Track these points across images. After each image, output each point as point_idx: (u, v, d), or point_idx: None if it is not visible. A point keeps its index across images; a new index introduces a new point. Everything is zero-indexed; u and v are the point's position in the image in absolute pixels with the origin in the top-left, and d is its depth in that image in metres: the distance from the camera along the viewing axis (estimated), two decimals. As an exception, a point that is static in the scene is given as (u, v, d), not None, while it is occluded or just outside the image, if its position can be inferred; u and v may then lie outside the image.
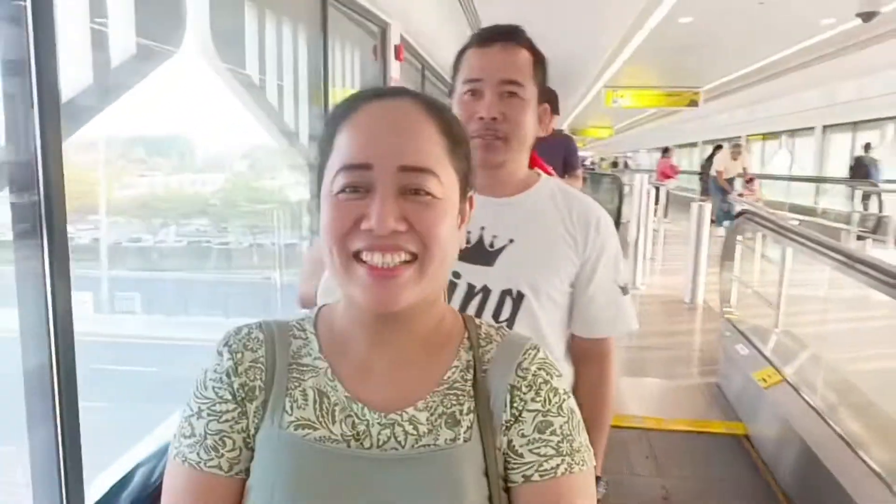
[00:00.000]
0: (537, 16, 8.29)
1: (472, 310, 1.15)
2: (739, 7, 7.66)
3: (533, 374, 0.69)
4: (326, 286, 1.17)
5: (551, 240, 1.18)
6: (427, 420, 0.66)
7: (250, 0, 2.96)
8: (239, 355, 0.67)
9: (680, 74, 12.37)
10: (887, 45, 9.19)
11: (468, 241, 1.07)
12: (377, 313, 0.65)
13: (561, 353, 1.25)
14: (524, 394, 0.68)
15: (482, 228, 1.16)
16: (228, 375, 0.66)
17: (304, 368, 0.68)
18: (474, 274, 1.15)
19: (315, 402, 0.66)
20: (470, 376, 0.69)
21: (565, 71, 11.63)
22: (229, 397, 0.66)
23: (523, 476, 0.66)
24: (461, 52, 1.18)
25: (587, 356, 1.27)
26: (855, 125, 12.46)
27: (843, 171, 11.87)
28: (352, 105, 0.66)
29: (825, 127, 13.61)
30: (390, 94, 0.67)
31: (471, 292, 1.15)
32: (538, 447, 0.66)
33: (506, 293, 1.15)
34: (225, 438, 0.65)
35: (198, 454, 0.65)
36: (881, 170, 10.50)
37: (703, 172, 13.08)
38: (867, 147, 11.03)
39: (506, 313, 1.15)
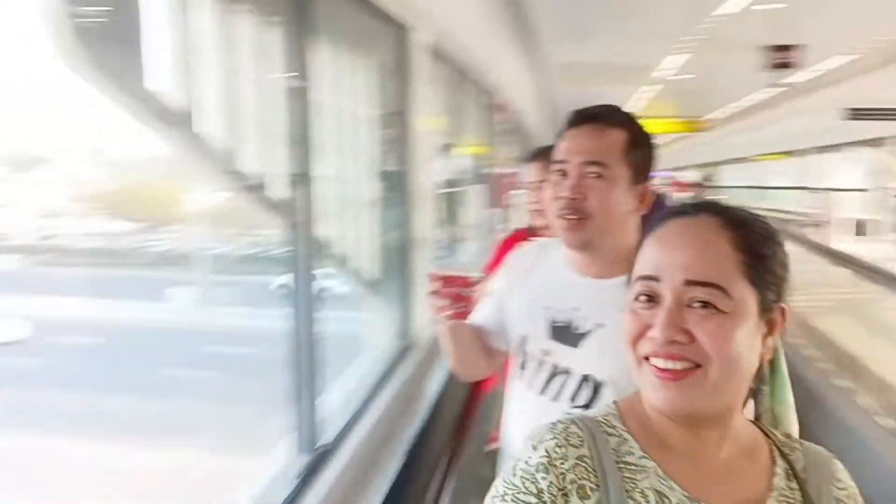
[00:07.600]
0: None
1: (552, 390, 1.14)
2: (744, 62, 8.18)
3: (848, 486, 0.72)
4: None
5: None
6: None
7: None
8: (561, 450, 0.67)
9: (693, 108, 13.61)
10: None
11: (557, 321, 1.14)
12: (670, 414, 0.67)
13: None
14: None
15: (574, 309, 1.15)
16: (538, 471, 0.66)
17: (633, 468, 0.67)
18: (560, 354, 1.14)
19: (657, 503, 0.66)
20: (794, 485, 0.70)
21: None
22: (534, 491, 0.66)
23: None
24: (559, 133, 1.19)
25: None
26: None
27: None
28: (661, 221, 0.70)
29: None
30: (692, 212, 0.69)
31: (554, 372, 1.15)
32: None
33: (585, 379, 1.12)
34: None
35: None
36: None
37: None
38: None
39: (582, 399, 1.12)
